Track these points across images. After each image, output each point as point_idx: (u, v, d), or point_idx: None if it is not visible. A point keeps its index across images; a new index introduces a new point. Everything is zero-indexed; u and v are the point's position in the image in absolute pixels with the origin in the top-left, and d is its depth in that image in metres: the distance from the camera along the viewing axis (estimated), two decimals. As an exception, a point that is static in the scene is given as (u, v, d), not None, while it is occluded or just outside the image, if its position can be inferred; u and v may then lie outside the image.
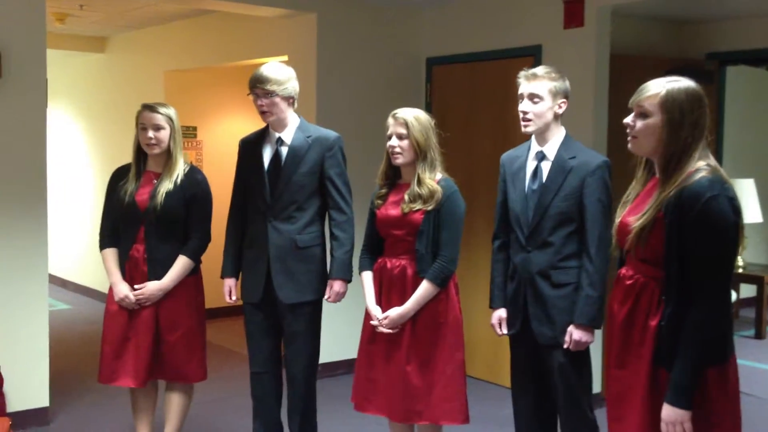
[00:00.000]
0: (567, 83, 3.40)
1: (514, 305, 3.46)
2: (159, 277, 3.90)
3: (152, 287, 3.90)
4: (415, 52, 6.14)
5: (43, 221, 4.83)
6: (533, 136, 3.45)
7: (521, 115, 3.38)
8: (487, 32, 5.69)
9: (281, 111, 3.79)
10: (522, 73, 3.41)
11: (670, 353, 2.50)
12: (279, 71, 3.77)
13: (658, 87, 2.57)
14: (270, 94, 3.74)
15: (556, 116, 3.39)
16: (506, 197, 3.52)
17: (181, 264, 3.93)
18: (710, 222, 2.44)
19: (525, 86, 3.38)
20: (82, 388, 5.41)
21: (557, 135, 3.41)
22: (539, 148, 3.42)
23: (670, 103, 2.53)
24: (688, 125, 2.52)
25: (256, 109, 3.82)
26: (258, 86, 3.75)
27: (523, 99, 3.38)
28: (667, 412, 2.48)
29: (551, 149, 3.39)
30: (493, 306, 3.57)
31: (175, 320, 3.95)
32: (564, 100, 3.39)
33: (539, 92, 3.34)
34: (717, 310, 2.46)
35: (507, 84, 5.56)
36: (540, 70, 3.38)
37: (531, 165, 3.44)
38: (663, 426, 2.49)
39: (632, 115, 2.62)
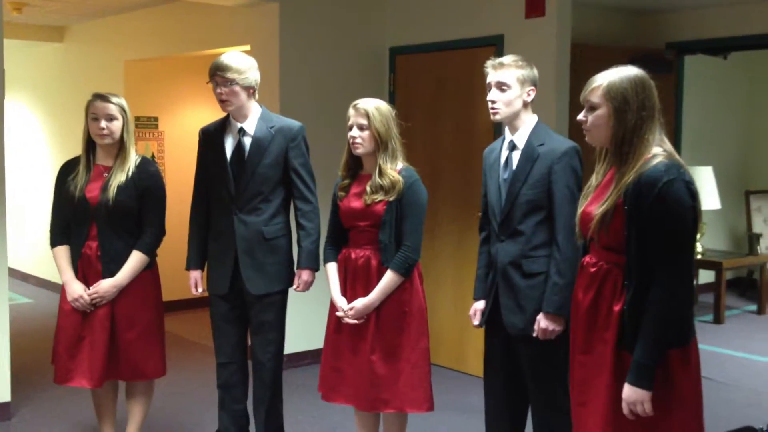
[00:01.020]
0: (535, 71, 3.41)
1: (488, 294, 3.47)
2: (113, 274, 3.81)
3: (106, 285, 3.80)
4: (379, 42, 6.14)
5: (2, 214, 4.75)
6: (506, 127, 3.46)
7: (489, 105, 3.38)
8: (449, 22, 5.70)
9: (240, 100, 3.76)
10: (489, 63, 3.41)
11: (633, 336, 2.55)
12: (240, 60, 3.74)
13: (601, 79, 2.66)
14: (230, 82, 3.70)
15: (526, 104, 3.38)
16: (486, 189, 3.53)
17: (135, 259, 3.84)
18: (667, 205, 2.49)
19: (492, 75, 3.37)
20: (45, 382, 5.35)
21: (527, 123, 3.41)
22: (511, 137, 3.43)
23: (614, 91, 2.61)
24: (633, 110, 2.60)
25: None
26: (218, 74, 3.71)
27: (491, 88, 3.38)
28: (628, 392, 2.53)
29: (521, 138, 3.40)
30: (474, 297, 3.58)
31: (132, 317, 3.86)
32: (532, 87, 3.39)
33: (507, 80, 3.34)
34: (676, 292, 2.51)
35: (470, 73, 5.60)
36: (507, 58, 3.38)
37: (504, 155, 3.44)
38: (624, 405, 2.54)
39: (584, 110, 2.70)
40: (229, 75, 3.69)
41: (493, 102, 3.36)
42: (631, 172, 2.56)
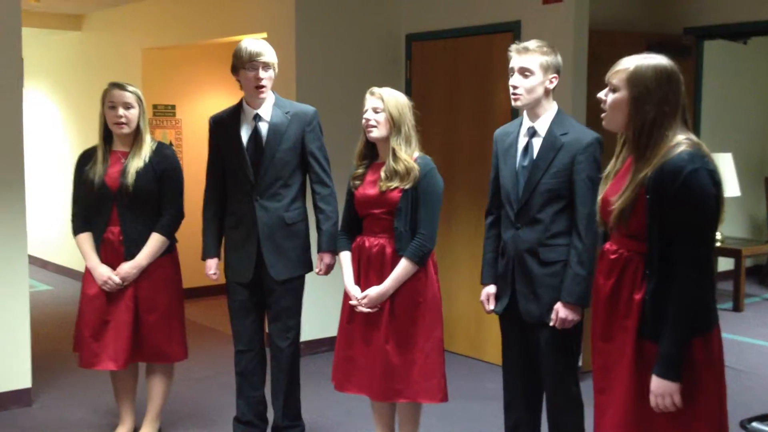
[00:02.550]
0: (559, 58, 3.35)
1: (503, 281, 3.45)
2: (135, 257, 3.88)
3: (127, 267, 3.87)
4: (395, 29, 6.12)
5: (22, 202, 4.79)
6: (525, 112, 3.40)
7: (511, 90, 3.32)
8: (466, 8, 5.67)
9: (271, 85, 3.80)
10: (513, 47, 3.35)
11: (655, 326, 2.53)
12: (271, 47, 3.79)
13: (628, 63, 2.61)
14: (269, 66, 3.76)
15: (548, 92, 3.33)
16: (498, 173, 3.50)
17: (154, 241, 3.90)
18: (691, 195, 2.46)
19: (516, 60, 3.32)
20: (65, 368, 5.41)
21: (549, 111, 3.36)
22: (531, 124, 3.37)
23: (637, 78, 2.56)
24: (654, 101, 2.55)
25: (243, 85, 3.80)
26: (259, 59, 3.73)
27: (513, 73, 3.32)
28: (657, 384, 2.50)
29: (543, 125, 3.35)
30: (483, 282, 3.56)
31: (154, 299, 3.93)
32: (555, 75, 3.32)
33: (530, 66, 3.28)
34: (700, 282, 2.49)
35: (487, 60, 5.57)
36: (532, 43, 3.32)
37: (522, 141, 3.39)
38: (652, 398, 2.51)
39: (605, 89, 2.66)
40: (269, 59, 3.75)
41: (515, 87, 3.31)
42: (651, 164, 2.52)
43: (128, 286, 3.90)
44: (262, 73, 3.74)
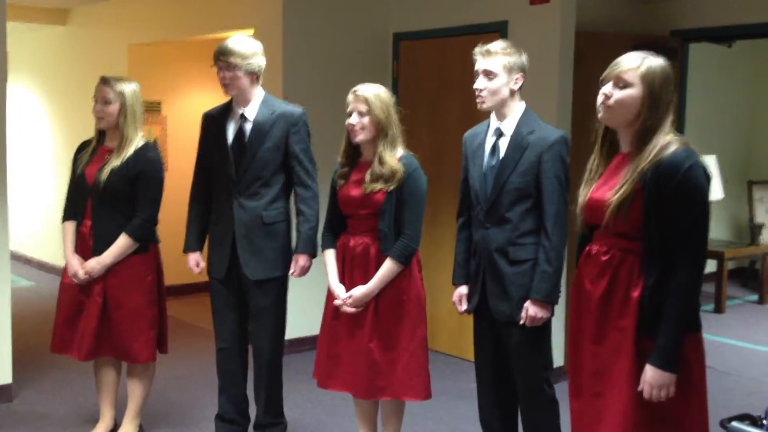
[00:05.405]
0: (524, 58, 3.37)
1: (474, 281, 3.47)
2: (102, 253, 3.88)
3: (92, 262, 3.86)
4: (382, 27, 6.12)
5: (3, 197, 4.76)
6: (493, 113, 3.44)
7: (476, 93, 3.36)
8: (453, 8, 5.68)
9: (243, 85, 3.75)
10: (477, 50, 3.39)
11: (655, 322, 2.53)
12: (245, 45, 3.73)
13: (637, 60, 2.60)
14: (233, 67, 3.70)
15: (513, 92, 3.36)
16: (468, 175, 3.52)
17: (121, 241, 3.86)
18: (690, 190, 2.50)
19: (480, 63, 3.36)
20: (46, 364, 5.38)
21: (516, 111, 3.39)
22: (498, 125, 3.41)
23: (651, 76, 2.57)
24: (665, 99, 2.59)
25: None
26: (221, 59, 3.71)
27: (478, 76, 3.36)
28: (653, 375, 2.51)
29: (509, 125, 3.38)
30: (455, 283, 3.58)
31: (119, 298, 3.90)
32: (520, 75, 3.35)
33: (493, 69, 3.32)
34: (698, 276, 2.53)
35: (473, 60, 5.57)
36: (495, 45, 3.36)
37: (490, 141, 3.42)
38: (647, 388, 2.52)
39: (610, 84, 2.62)
40: (233, 60, 3.69)
41: (479, 90, 3.35)
42: (648, 158, 2.54)
43: (98, 282, 3.88)
44: (224, 73, 3.72)
